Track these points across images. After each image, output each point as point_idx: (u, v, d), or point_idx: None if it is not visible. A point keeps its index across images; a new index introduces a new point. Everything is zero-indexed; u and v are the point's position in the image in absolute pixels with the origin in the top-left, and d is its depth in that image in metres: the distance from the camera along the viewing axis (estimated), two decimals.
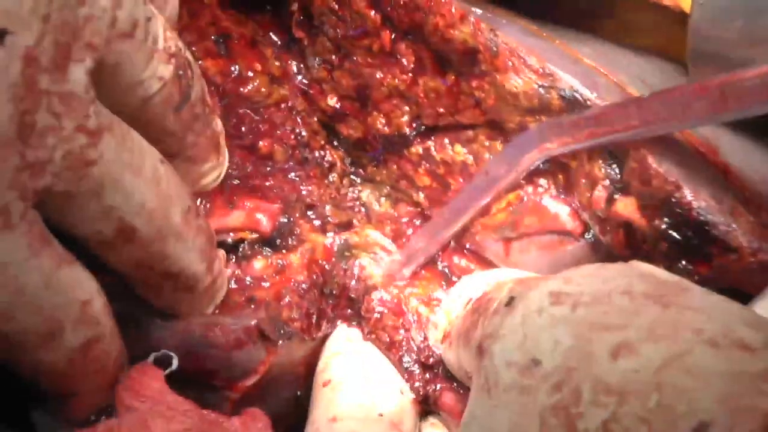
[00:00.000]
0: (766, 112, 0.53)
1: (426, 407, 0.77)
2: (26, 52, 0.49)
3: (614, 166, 0.65)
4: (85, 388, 0.61)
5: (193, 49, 0.82)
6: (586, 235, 0.72)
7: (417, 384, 0.76)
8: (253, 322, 0.73)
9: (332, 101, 0.86)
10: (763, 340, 0.42)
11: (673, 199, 0.60)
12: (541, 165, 0.73)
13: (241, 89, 0.84)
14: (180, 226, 0.63)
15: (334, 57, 0.83)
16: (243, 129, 0.84)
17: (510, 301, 0.54)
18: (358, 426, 0.70)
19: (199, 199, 0.75)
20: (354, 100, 0.85)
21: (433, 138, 0.83)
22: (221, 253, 0.74)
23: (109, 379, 0.62)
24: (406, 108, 0.82)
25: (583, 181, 0.68)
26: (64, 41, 0.51)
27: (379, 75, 0.81)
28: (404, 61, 0.79)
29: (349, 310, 0.83)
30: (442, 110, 0.79)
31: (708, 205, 0.58)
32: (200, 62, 0.82)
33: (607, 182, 0.65)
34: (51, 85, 0.51)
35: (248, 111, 0.84)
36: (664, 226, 0.60)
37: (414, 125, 0.83)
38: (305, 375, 0.80)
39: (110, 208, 0.57)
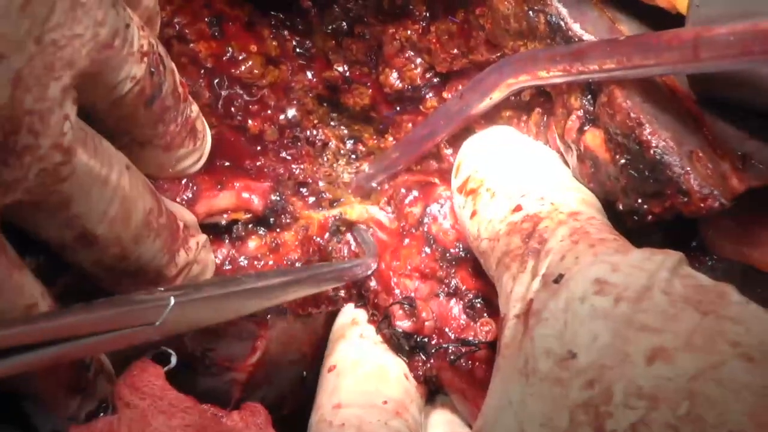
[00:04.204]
0: (736, 69, 0.52)
1: (432, 387, 0.73)
2: (16, 75, 0.46)
3: (590, 97, 0.63)
4: (42, 388, 0.56)
5: (186, 31, 0.77)
6: None
7: (416, 364, 0.72)
8: None
9: (340, 68, 0.82)
10: None
11: (633, 136, 0.57)
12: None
13: (233, 71, 0.79)
14: (140, 230, 0.59)
15: (343, 23, 0.80)
16: (233, 110, 0.79)
17: (558, 279, 0.51)
18: (362, 413, 0.66)
19: (184, 180, 0.71)
20: (363, 65, 0.82)
21: (446, 87, 0.79)
22: (199, 240, 0.68)
23: (69, 382, 0.57)
24: (419, 60, 0.80)
25: (561, 110, 0.66)
26: (50, 61, 0.48)
27: (391, 30, 0.79)
28: (416, 12, 0.77)
29: (354, 290, 0.78)
30: (455, 51, 0.76)
31: (666, 145, 0.56)
32: (192, 45, 0.77)
33: (581, 112, 0.63)
34: (33, 104, 0.47)
35: (239, 92, 0.79)
36: (623, 162, 0.58)
37: (427, 76, 0.80)
38: (311, 355, 0.77)
39: (75, 217, 0.54)
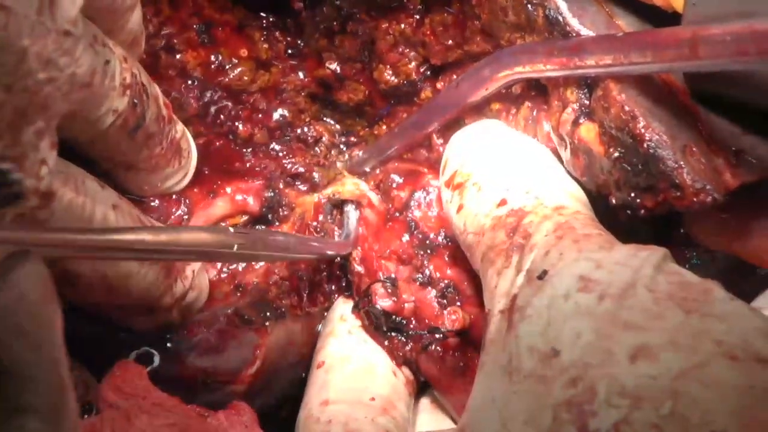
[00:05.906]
0: (734, 69, 0.50)
1: (418, 374, 0.71)
2: None
3: (586, 91, 0.61)
4: None
5: (174, 41, 0.75)
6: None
7: (397, 346, 0.70)
8: (230, 310, 0.67)
9: (332, 66, 0.80)
10: None
11: (627, 129, 0.56)
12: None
13: (222, 78, 0.77)
14: (129, 267, 0.57)
15: (335, 23, 0.78)
16: (222, 117, 0.77)
17: (543, 275, 0.49)
18: (349, 410, 0.64)
19: (175, 196, 0.69)
20: (355, 62, 0.80)
21: (441, 78, 0.78)
22: (195, 266, 0.66)
23: None
24: (413, 54, 0.78)
25: (556, 103, 0.64)
26: (22, 107, 0.44)
27: (384, 25, 0.77)
28: (410, 4, 0.75)
29: (343, 283, 0.77)
30: (450, 42, 0.74)
31: (660, 139, 0.54)
32: (180, 56, 0.75)
33: (576, 105, 0.62)
34: (5, 150, 0.44)
35: (228, 100, 0.77)
36: (617, 155, 0.57)
37: (422, 70, 0.78)
38: (309, 356, 0.74)
39: (56, 259, 0.51)
